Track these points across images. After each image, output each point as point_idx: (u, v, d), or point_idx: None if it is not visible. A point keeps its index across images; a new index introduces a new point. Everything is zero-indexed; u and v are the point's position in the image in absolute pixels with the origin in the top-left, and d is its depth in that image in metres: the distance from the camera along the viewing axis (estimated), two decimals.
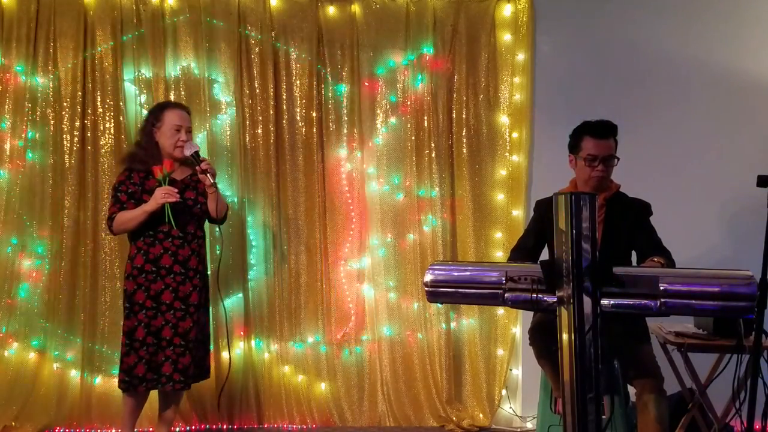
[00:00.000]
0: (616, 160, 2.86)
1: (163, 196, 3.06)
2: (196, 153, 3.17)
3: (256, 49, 3.86)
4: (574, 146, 2.90)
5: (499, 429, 3.87)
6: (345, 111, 3.93)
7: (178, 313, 3.15)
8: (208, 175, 3.15)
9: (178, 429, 3.75)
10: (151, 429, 3.60)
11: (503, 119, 3.93)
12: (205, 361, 3.33)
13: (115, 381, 3.29)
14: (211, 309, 3.43)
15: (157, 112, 3.25)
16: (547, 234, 2.95)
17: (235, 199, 3.85)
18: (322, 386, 3.90)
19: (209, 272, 3.46)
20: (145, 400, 3.27)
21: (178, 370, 3.12)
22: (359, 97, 3.93)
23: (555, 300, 1.87)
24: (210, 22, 3.83)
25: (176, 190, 3.10)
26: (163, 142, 3.20)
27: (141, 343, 3.11)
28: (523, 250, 2.98)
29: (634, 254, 2.93)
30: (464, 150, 3.92)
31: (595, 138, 2.82)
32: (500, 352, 3.92)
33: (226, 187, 3.85)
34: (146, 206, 3.09)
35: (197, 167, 3.16)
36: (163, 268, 3.15)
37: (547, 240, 2.96)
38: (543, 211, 3.02)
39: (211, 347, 3.49)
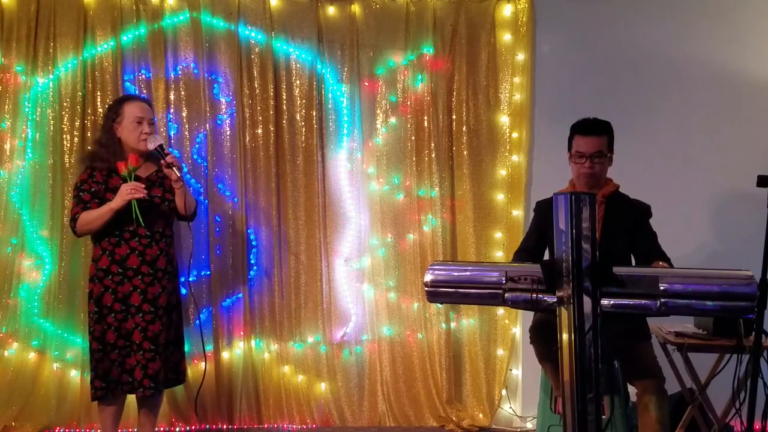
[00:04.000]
0: (608, 157, 2.87)
1: (129, 192, 2.92)
2: (161, 146, 3.02)
3: (256, 49, 3.86)
4: (568, 145, 2.94)
5: (499, 429, 3.87)
6: (345, 111, 3.93)
7: (147, 316, 3.01)
8: (174, 168, 3.00)
9: (178, 429, 3.75)
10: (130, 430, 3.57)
11: (503, 119, 3.93)
12: (180, 365, 3.19)
13: None
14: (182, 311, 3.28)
15: (116, 106, 3.12)
16: (548, 235, 2.95)
17: (236, 199, 3.85)
18: (322, 386, 3.90)
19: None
20: (123, 407, 3.15)
21: (149, 376, 2.99)
22: (359, 97, 3.93)
23: (555, 300, 1.87)
24: (210, 22, 3.83)
25: (143, 186, 2.98)
26: (125, 137, 3.06)
27: (113, 346, 3.00)
28: (525, 252, 2.99)
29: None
30: (464, 150, 3.92)
31: (582, 135, 2.86)
32: (500, 352, 3.91)
33: (226, 188, 3.86)
34: (112, 203, 2.94)
35: (162, 161, 3.01)
36: (131, 269, 3.01)
37: (548, 241, 2.96)
38: (543, 212, 3.03)
39: (187, 349, 3.35)
